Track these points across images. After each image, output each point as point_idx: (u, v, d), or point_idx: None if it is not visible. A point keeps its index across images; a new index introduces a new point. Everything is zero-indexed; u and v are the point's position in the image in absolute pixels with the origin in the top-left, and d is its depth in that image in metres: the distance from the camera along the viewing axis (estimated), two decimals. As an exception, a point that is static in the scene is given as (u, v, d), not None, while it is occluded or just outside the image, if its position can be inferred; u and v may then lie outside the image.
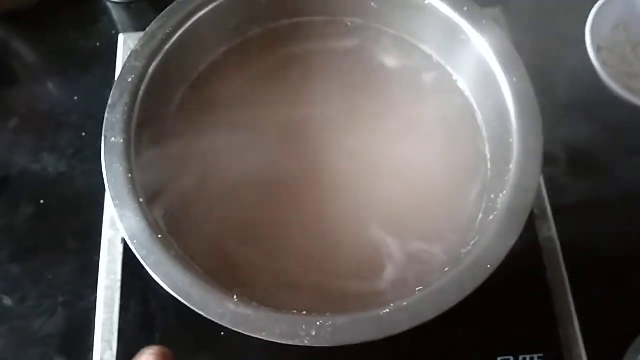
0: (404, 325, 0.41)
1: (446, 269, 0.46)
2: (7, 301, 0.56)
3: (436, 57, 0.58)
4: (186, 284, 0.42)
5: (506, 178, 0.46)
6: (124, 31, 0.68)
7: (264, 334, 0.41)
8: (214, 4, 0.54)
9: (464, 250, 0.47)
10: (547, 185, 0.57)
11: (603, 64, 0.61)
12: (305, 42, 0.60)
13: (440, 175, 0.54)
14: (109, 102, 0.49)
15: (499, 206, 0.45)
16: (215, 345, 0.51)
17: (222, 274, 0.47)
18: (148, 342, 0.51)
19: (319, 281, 0.49)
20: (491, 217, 0.45)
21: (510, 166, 0.46)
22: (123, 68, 0.51)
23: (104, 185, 0.46)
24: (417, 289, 0.43)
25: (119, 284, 0.54)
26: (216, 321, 0.41)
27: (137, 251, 0.43)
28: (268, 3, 0.57)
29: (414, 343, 0.51)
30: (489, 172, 0.53)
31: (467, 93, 0.56)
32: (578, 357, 0.51)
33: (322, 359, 0.47)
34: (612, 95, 0.60)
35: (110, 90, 0.50)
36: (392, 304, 0.41)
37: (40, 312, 0.55)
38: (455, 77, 0.57)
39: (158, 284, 0.43)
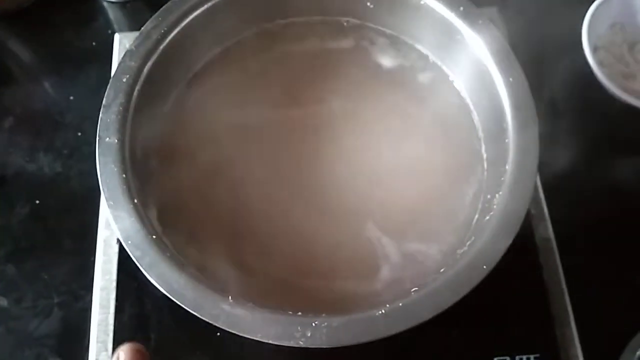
0: (400, 326, 0.41)
1: (442, 270, 0.46)
2: (3, 302, 0.56)
3: (432, 57, 0.58)
4: (181, 285, 0.42)
5: (502, 178, 0.46)
6: (120, 31, 0.68)
7: (259, 335, 0.41)
8: (209, 4, 0.54)
9: (460, 251, 0.47)
10: (544, 185, 0.57)
11: (599, 63, 0.61)
12: (301, 41, 0.59)
13: (436, 175, 0.54)
14: (104, 102, 0.49)
15: (495, 207, 0.45)
16: (211, 345, 0.51)
17: (216, 274, 0.47)
18: (143, 343, 0.51)
19: (315, 281, 0.49)
20: (487, 218, 0.45)
21: (507, 166, 0.46)
22: (118, 68, 0.51)
23: (99, 185, 0.46)
24: (412, 290, 0.43)
25: (114, 284, 0.54)
26: (211, 322, 0.41)
27: (131, 252, 0.43)
28: (263, 3, 0.57)
29: (409, 343, 0.51)
30: (485, 173, 0.53)
31: (463, 93, 0.56)
32: (574, 357, 0.51)
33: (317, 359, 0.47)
34: (609, 95, 0.60)
35: (106, 90, 0.50)
36: (387, 305, 0.41)
37: (36, 312, 0.55)
38: (451, 77, 0.57)
39: (153, 284, 0.43)
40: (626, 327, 0.51)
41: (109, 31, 0.69)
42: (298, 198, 0.53)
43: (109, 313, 0.53)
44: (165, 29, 0.52)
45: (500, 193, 0.46)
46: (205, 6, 0.54)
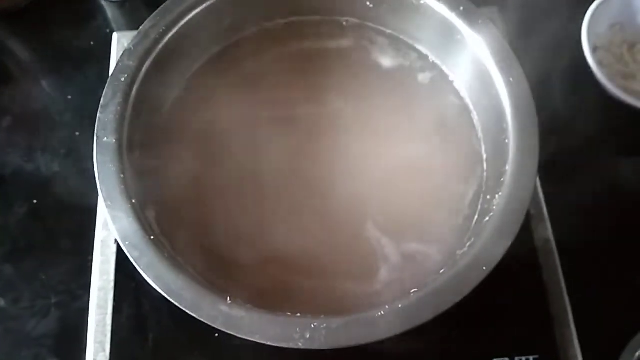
0: (399, 327, 0.41)
1: (442, 271, 0.46)
2: (0, 302, 0.56)
3: (432, 57, 0.58)
4: (179, 286, 0.42)
5: (502, 179, 0.46)
6: (118, 30, 0.67)
7: (257, 336, 0.40)
8: (208, 3, 0.54)
9: (459, 252, 0.47)
10: (543, 185, 0.57)
11: (599, 63, 0.61)
12: (300, 41, 0.59)
13: (436, 175, 0.54)
14: (101, 101, 0.49)
15: (494, 207, 0.45)
16: (209, 346, 0.51)
17: (215, 275, 0.46)
18: (141, 344, 0.51)
19: (314, 282, 0.49)
20: (487, 219, 0.45)
21: (507, 167, 0.46)
22: (116, 67, 0.50)
23: (97, 185, 0.46)
24: (412, 291, 0.43)
25: (112, 285, 0.53)
26: (209, 323, 0.41)
27: (129, 253, 0.43)
28: (262, 2, 0.57)
29: (408, 344, 0.50)
30: (485, 173, 0.52)
31: (463, 93, 0.56)
32: (574, 358, 0.51)
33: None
34: (608, 95, 0.60)
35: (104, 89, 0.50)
36: (387, 306, 0.41)
37: (34, 312, 0.55)
38: (451, 77, 0.57)
39: (151, 285, 0.42)
40: (626, 327, 0.51)
41: (108, 30, 0.68)
42: (297, 198, 0.53)
43: (106, 313, 0.52)
44: (164, 28, 0.52)
45: (500, 194, 0.45)
46: (204, 5, 0.53)
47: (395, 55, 0.59)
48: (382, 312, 0.41)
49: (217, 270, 0.48)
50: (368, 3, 0.57)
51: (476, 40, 0.52)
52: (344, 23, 0.60)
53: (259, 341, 0.40)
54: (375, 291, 0.48)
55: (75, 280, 0.56)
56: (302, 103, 0.57)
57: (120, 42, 0.64)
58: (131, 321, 0.52)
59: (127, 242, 0.43)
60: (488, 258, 0.43)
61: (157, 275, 0.42)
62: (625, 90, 0.59)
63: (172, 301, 0.41)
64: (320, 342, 0.40)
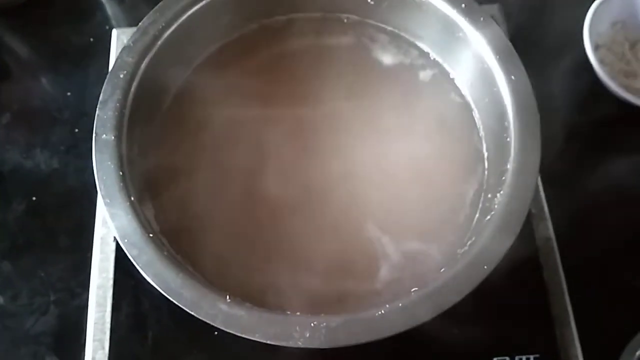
0: (399, 326, 0.40)
1: (442, 270, 0.46)
2: (-1, 299, 0.56)
3: (433, 54, 0.58)
4: (178, 285, 0.42)
5: (503, 178, 0.46)
6: (118, 26, 0.67)
7: (257, 335, 0.40)
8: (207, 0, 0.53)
9: (460, 251, 0.47)
10: (544, 184, 0.57)
11: (600, 62, 0.61)
12: (301, 38, 0.59)
13: (437, 174, 0.53)
14: (100, 98, 0.49)
15: (496, 206, 0.45)
16: (208, 344, 0.51)
17: (214, 274, 0.46)
18: (140, 342, 0.51)
19: (313, 281, 0.48)
20: (488, 217, 0.45)
21: (508, 165, 0.46)
22: (115, 64, 0.50)
23: (96, 182, 0.46)
24: (412, 290, 0.43)
25: (111, 282, 0.53)
26: (208, 322, 0.41)
27: (128, 251, 0.43)
28: (263, -2, 0.57)
29: (409, 343, 0.50)
30: (486, 171, 0.52)
31: (465, 91, 0.56)
32: (574, 358, 0.51)
33: (315, 359, 0.47)
34: (610, 93, 0.59)
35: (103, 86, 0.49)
36: (387, 305, 0.41)
37: (32, 310, 0.55)
38: (452, 75, 0.57)
39: (150, 283, 0.42)
40: (626, 327, 0.51)
41: (107, 27, 0.68)
42: (297, 196, 0.52)
43: (105, 311, 0.52)
44: (163, 24, 0.52)
45: (502, 192, 0.45)
46: (203, 2, 0.53)
47: (396, 53, 0.58)
48: (383, 311, 0.41)
49: (216, 268, 0.48)
50: (369, 0, 0.57)
51: (478, 37, 0.51)
52: (345, 20, 0.60)
53: (258, 340, 0.40)
54: (375, 290, 0.48)
55: (74, 278, 0.56)
56: (302, 100, 0.56)
57: (119, 39, 0.64)
58: (130, 319, 0.52)
59: (126, 240, 0.43)
60: (489, 257, 0.42)
61: (156, 273, 0.42)
62: (627, 88, 0.59)
63: (172, 299, 0.41)
64: (320, 341, 0.40)
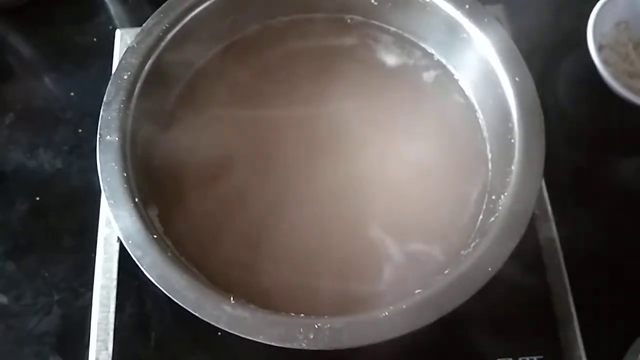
0: (403, 328, 0.40)
1: (446, 271, 0.46)
2: (2, 299, 0.56)
3: (437, 55, 0.58)
4: (182, 286, 0.42)
5: (508, 179, 0.46)
6: (121, 26, 0.67)
7: (261, 336, 0.40)
8: (211, 0, 0.53)
9: (464, 252, 0.47)
10: (548, 185, 0.57)
11: (604, 62, 0.60)
12: (304, 39, 0.59)
13: (440, 175, 0.53)
14: (105, 99, 0.49)
15: (500, 208, 0.45)
16: (212, 345, 0.51)
17: (218, 275, 0.46)
18: (144, 342, 0.51)
19: (317, 282, 0.48)
20: (492, 219, 0.45)
21: (512, 167, 0.46)
22: (119, 65, 0.50)
23: (100, 183, 0.46)
24: (416, 291, 0.43)
25: (114, 283, 0.53)
26: (212, 323, 0.41)
27: (132, 252, 0.43)
28: (266, -1, 0.57)
29: (412, 344, 0.50)
30: (490, 173, 0.52)
31: (468, 92, 0.56)
32: (578, 359, 0.51)
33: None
34: (613, 94, 0.59)
35: (107, 86, 0.50)
36: (391, 307, 0.41)
37: (36, 310, 0.55)
38: (456, 76, 0.57)
39: (154, 284, 0.42)
40: (630, 328, 0.51)
41: (110, 27, 0.68)
42: (301, 197, 0.52)
43: (109, 312, 0.52)
44: (167, 25, 0.52)
45: (506, 194, 0.45)
46: (207, 3, 0.53)
47: (399, 54, 0.58)
48: (386, 313, 0.41)
49: (220, 270, 0.48)
50: (372, 0, 0.57)
51: (482, 38, 0.51)
52: (348, 20, 0.60)
53: (262, 341, 0.40)
54: (378, 292, 0.48)
55: (77, 278, 0.56)
56: (306, 101, 0.56)
57: (123, 39, 0.64)
58: (134, 319, 0.52)
59: (130, 241, 0.43)
60: (493, 259, 0.42)
61: (160, 274, 0.42)
62: (631, 89, 0.59)
63: (176, 301, 0.41)
64: (324, 343, 0.40)
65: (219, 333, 0.48)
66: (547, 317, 0.52)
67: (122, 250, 0.54)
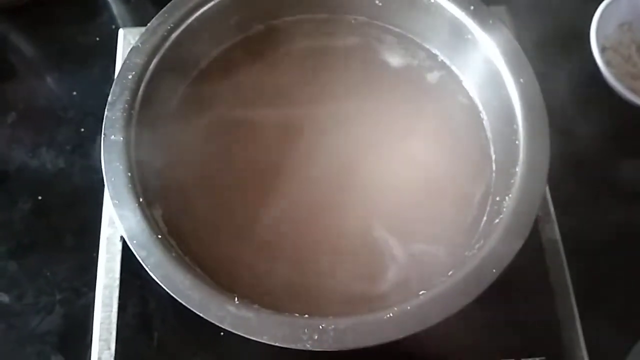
0: (408, 329, 0.40)
1: (450, 273, 0.46)
2: (4, 298, 0.56)
3: (441, 56, 0.58)
4: (186, 286, 0.42)
5: (512, 181, 0.46)
6: (124, 26, 0.67)
7: (265, 337, 0.40)
8: (216, 0, 0.53)
9: (468, 253, 0.47)
10: (551, 186, 0.57)
11: (607, 64, 0.61)
12: (308, 39, 0.59)
13: (444, 176, 0.53)
14: (109, 99, 0.49)
15: (504, 209, 0.45)
16: (214, 345, 0.51)
17: (222, 275, 0.46)
18: (146, 342, 0.51)
19: (321, 283, 0.48)
20: (497, 221, 0.45)
21: (517, 169, 0.46)
22: (123, 65, 0.50)
23: (102, 182, 0.46)
24: (420, 292, 0.43)
25: (117, 283, 0.53)
26: (217, 324, 0.41)
27: (136, 252, 0.43)
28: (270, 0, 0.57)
29: (415, 345, 0.50)
30: (494, 174, 0.52)
31: (472, 93, 0.56)
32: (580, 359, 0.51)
33: (322, 360, 0.47)
34: (616, 95, 0.59)
35: (110, 85, 0.50)
36: (395, 308, 0.41)
37: (38, 309, 0.55)
38: (460, 77, 0.57)
39: (157, 283, 0.42)
40: (632, 329, 0.51)
41: (113, 26, 0.68)
42: (304, 198, 0.52)
43: (111, 311, 0.52)
44: (172, 25, 0.52)
45: (510, 195, 0.45)
46: (212, 3, 0.53)
47: (403, 54, 0.58)
48: (391, 314, 0.41)
49: (224, 270, 0.48)
50: (377, 1, 0.57)
51: (486, 40, 0.51)
52: (352, 21, 0.60)
53: (266, 342, 0.40)
54: (382, 292, 0.48)
55: (79, 277, 0.56)
56: (310, 101, 0.56)
57: (125, 39, 0.64)
58: (136, 319, 0.52)
59: (134, 241, 0.43)
60: (497, 260, 0.42)
61: (164, 274, 0.42)
62: (634, 90, 0.59)
63: (180, 301, 0.41)
64: (329, 344, 0.40)
65: (222, 333, 0.48)
66: (550, 318, 0.52)
67: (125, 250, 0.54)
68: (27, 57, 0.69)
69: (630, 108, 0.59)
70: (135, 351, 0.51)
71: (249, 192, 0.52)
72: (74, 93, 0.65)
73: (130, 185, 0.45)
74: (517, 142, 0.47)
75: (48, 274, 0.56)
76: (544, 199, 0.56)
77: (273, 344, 0.40)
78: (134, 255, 0.43)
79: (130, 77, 0.49)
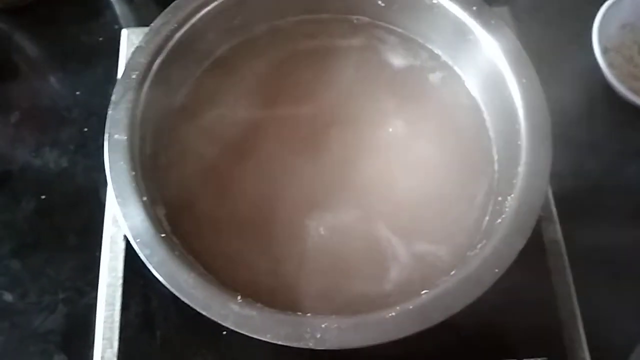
0: (410, 329, 0.41)
1: (452, 272, 0.46)
2: (8, 297, 0.56)
3: (443, 56, 0.58)
4: (190, 285, 0.42)
5: (514, 181, 0.46)
6: (127, 26, 0.67)
7: (268, 335, 0.40)
8: (219, 0, 0.54)
9: (470, 253, 0.47)
10: (553, 187, 0.57)
11: (609, 65, 0.61)
12: (311, 39, 0.59)
13: (446, 176, 0.53)
14: (112, 98, 0.49)
15: (507, 209, 0.45)
16: (217, 343, 0.51)
17: (225, 274, 0.46)
18: (149, 341, 0.51)
19: (324, 282, 0.48)
20: (499, 221, 0.45)
21: (519, 169, 0.46)
22: (127, 65, 0.50)
23: (105, 181, 0.46)
24: (422, 292, 0.43)
25: (120, 282, 0.53)
26: (220, 322, 0.41)
27: (140, 250, 0.43)
28: (274, 0, 0.57)
29: (416, 345, 0.50)
30: (496, 174, 0.52)
31: (475, 93, 0.56)
32: (582, 360, 0.51)
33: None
34: (618, 96, 0.59)
35: (113, 85, 0.50)
36: (397, 307, 0.41)
37: (41, 308, 0.55)
38: (462, 77, 0.57)
39: (160, 282, 0.42)
40: (634, 330, 0.51)
41: (116, 26, 0.69)
42: (306, 196, 0.52)
43: (114, 310, 0.52)
44: (175, 25, 0.52)
45: (513, 196, 0.45)
46: (215, 3, 0.54)
47: (406, 55, 0.58)
48: (394, 313, 0.41)
49: (227, 269, 0.48)
50: (379, 2, 0.57)
51: (489, 40, 0.51)
52: (355, 21, 0.60)
53: (269, 340, 0.40)
54: (385, 292, 0.48)
55: (82, 277, 0.56)
56: (312, 101, 0.56)
57: (129, 39, 0.64)
58: (139, 318, 0.52)
59: (138, 240, 0.43)
60: (500, 260, 0.42)
61: (168, 273, 0.42)
62: (636, 91, 0.59)
63: (184, 300, 0.41)
64: (331, 343, 0.40)
65: (224, 332, 0.48)
66: (552, 319, 0.52)
67: (128, 249, 0.54)
68: (31, 57, 0.69)
69: (632, 109, 0.59)
70: (138, 350, 0.51)
71: (252, 192, 0.52)
72: (78, 93, 0.65)
73: (134, 184, 0.45)
74: (519, 142, 0.47)
75: (51, 273, 0.56)
76: (546, 199, 0.56)
77: (276, 342, 0.40)
78: (137, 254, 0.43)
79: (133, 76, 0.50)
